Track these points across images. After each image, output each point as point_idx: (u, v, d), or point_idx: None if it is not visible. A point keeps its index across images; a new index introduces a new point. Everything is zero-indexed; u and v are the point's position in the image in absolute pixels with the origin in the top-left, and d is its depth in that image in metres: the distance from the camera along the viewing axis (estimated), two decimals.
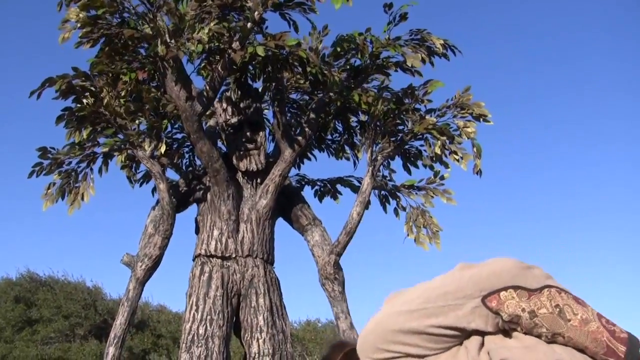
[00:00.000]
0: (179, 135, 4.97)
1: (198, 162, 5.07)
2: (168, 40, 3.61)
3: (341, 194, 5.19)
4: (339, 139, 5.13)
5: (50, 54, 35.95)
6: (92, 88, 3.86)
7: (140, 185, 4.79)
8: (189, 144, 5.06)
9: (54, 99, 3.88)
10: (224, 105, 4.58)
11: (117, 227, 33.53)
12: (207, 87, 4.03)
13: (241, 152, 4.48)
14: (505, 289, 1.03)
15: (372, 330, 1.09)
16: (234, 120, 4.51)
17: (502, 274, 1.04)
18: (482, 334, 1.06)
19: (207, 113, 4.55)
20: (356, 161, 5.11)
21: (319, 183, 5.22)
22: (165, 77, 3.86)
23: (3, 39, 34.60)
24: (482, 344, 1.06)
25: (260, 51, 3.74)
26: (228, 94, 4.68)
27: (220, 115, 4.62)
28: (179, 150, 4.95)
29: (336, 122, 5.00)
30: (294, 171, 5.06)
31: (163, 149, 4.21)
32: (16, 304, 15.75)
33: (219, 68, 3.94)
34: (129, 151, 4.20)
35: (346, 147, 5.14)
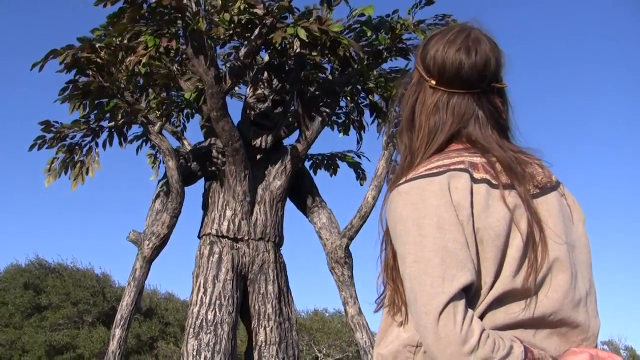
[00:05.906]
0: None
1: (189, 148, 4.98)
2: (208, 15, 3.48)
3: (338, 169, 5.01)
4: (344, 117, 4.94)
5: (54, 22, 35.80)
6: (98, 60, 3.69)
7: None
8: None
9: (58, 72, 3.71)
10: (262, 86, 4.37)
11: (126, 216, 33.68)
12: (240, 63, 3.90)
13: (255, 128, 4.27)
14: None
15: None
16: (266, 92, 4.33)
17: None
18: None
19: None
20: (359, 139, 4.94)
21: (317, 157, 5.03)
22: (201, 52, 3.68)
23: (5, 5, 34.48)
24: None
25: (302, 34, 3.56)
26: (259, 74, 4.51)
27: (249, 91, 4.43)
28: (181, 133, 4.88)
29: (344, 99, 4.81)
30: (287, 141, 4.84)
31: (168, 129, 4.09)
32: (25, 290, 15.79)
33: (255, 42, 3.79)
34: (135, 124, 4.06)
35: (351, 126, 4.94)
